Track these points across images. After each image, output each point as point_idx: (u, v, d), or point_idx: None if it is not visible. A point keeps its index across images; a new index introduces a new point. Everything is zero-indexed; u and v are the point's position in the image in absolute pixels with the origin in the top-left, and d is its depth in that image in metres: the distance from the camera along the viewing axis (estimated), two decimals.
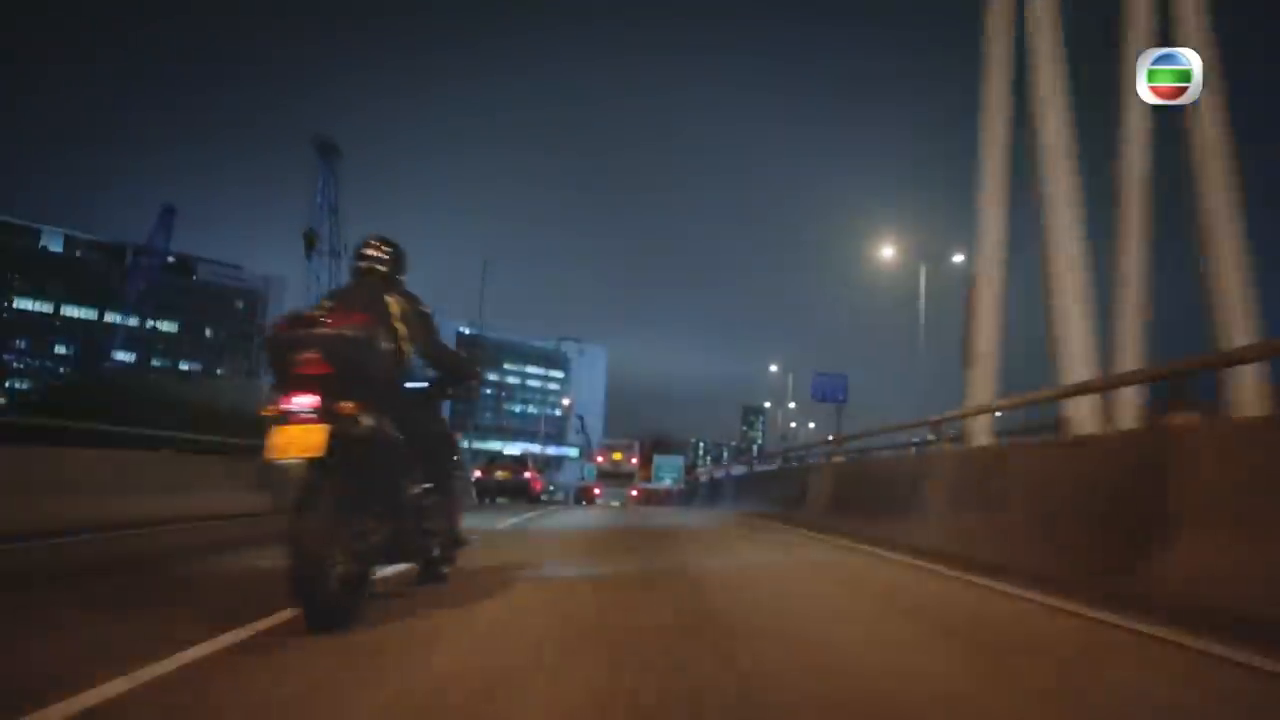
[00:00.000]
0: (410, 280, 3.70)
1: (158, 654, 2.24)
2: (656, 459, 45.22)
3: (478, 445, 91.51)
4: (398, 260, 3.60)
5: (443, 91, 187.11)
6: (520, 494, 20.65)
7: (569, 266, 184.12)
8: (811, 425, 50.56)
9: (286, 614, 2.78)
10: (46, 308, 74.70)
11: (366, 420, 2.86)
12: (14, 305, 73.33)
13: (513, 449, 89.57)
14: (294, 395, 2.76)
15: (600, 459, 40.14)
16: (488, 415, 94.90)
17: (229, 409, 17.70)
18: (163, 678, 2.09)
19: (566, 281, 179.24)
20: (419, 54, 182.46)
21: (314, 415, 2.74)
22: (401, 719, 1.86)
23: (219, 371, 75.96)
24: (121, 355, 74.19)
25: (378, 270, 3.53)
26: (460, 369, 3.79)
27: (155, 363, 76.08)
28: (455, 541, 3.85)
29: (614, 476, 36.28)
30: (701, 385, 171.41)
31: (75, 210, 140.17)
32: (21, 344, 72.69)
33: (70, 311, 75.14)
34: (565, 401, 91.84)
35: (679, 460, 45.46)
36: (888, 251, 24.07)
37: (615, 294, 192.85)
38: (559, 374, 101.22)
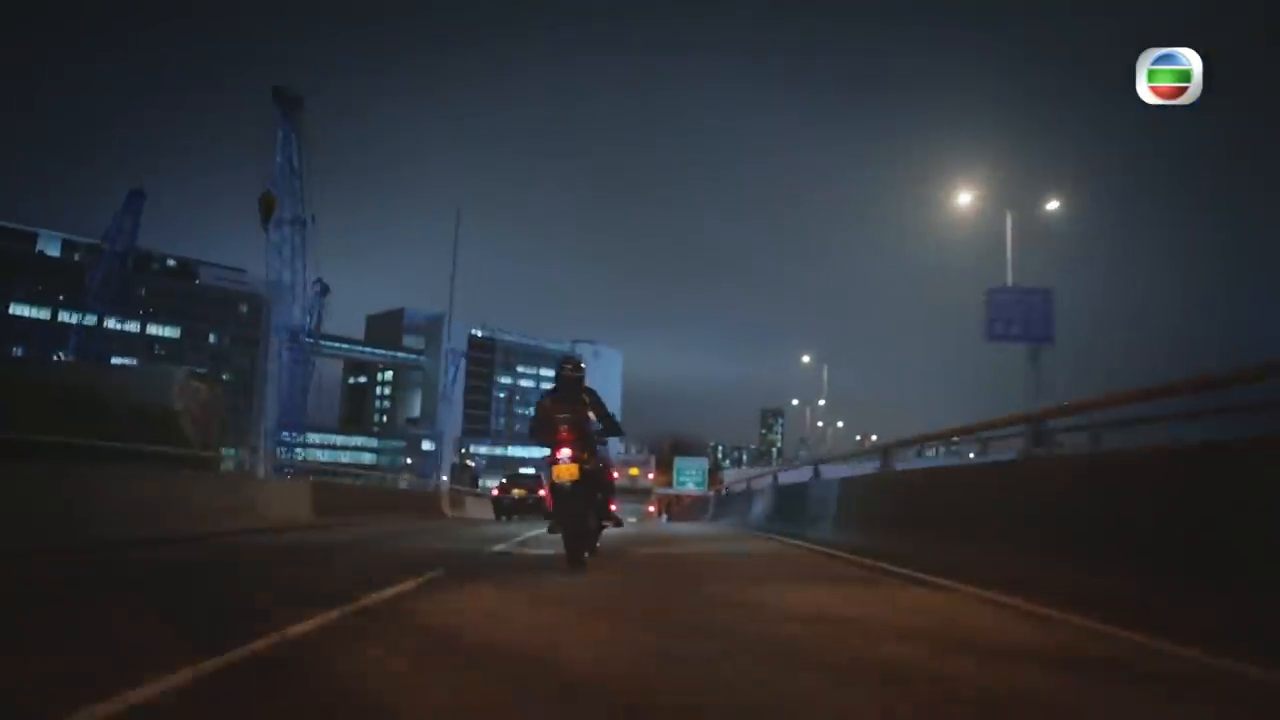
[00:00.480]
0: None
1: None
2: (678, 461, 45.40)
3: (498, 452, 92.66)
4: (582, 371, 6.81)
5: (447, 93, 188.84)
6: (536, 510, 21.62)
7: (581, 269, 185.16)
8: (840, 424, 50.53)
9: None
10: (44, 314, 75.47)
11: (591, 462, 6.39)
12: (9, 311, 74.08)
13: (525, 452, 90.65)
14: (559, 450, 6.24)
15: (615, 475, 41.07)
16: (500, 420, 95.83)
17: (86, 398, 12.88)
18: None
19: (579, 284, 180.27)
20: (420, 54, 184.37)
21: (570, 460, 6.19)
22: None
23: (224, 376, 77.20)
24: (122, 362, 75.45)
25: (574, 377, 6.69)
26: (614, 429, 6.97)
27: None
28: (617, 524, 7.90)
29: (630, 492, 37.83)
30: (718, 388, 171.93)
31: (75, 215, 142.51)
32: (19, 351, 73.71)
33: (68, 317, 75.88)
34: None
35: (703, 463, 45.58)
36: (964, 199, 20.82)
37: (629, 296, 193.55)
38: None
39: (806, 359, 44.27)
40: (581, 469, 6.22)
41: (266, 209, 49.09)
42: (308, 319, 74.32)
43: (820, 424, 50.76)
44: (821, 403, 47.97)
